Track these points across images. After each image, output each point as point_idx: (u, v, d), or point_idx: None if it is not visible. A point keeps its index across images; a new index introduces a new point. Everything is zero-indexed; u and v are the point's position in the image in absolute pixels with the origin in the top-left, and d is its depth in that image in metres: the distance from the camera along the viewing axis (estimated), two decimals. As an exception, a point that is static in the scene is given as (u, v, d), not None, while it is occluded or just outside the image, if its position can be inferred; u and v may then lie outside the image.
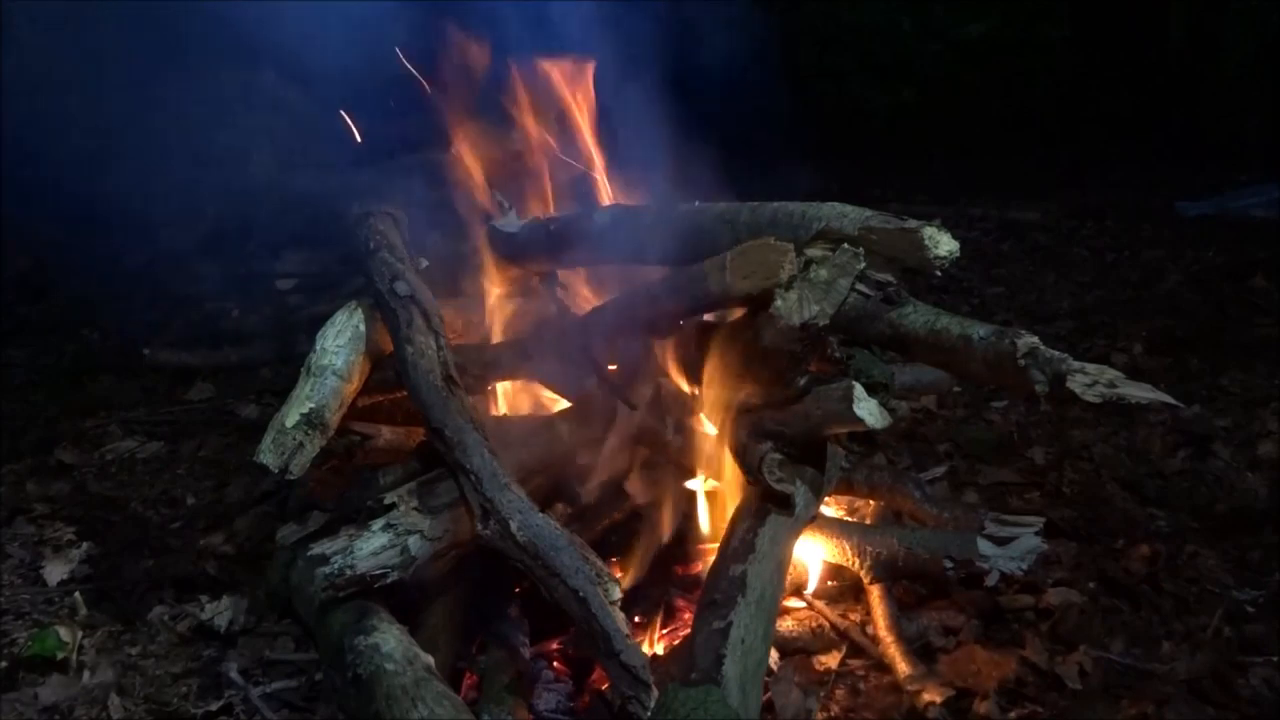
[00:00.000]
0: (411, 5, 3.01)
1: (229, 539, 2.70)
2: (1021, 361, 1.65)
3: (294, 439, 2.09)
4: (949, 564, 2.13)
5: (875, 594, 2.22)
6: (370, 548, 1.91)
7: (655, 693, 1.58)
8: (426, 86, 2.83)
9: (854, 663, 2.11)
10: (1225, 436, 3.07)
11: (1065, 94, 8.79)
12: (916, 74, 9.58)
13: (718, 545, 2.02)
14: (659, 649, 2.11)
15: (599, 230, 2.42)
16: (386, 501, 1.96)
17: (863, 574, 2.22)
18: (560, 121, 2.80)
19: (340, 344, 2.25)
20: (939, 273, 1.84)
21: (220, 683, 2.13)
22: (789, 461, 1.98)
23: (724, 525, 2.09)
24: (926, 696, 1.94)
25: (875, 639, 2.14)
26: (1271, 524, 2.57)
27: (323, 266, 5.35)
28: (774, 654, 2.01)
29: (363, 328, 2.31)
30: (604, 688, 1.94)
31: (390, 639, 1.77)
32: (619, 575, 2.08)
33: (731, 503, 2.19)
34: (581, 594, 1.67)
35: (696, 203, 2.32)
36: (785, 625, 2.16)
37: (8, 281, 5.67)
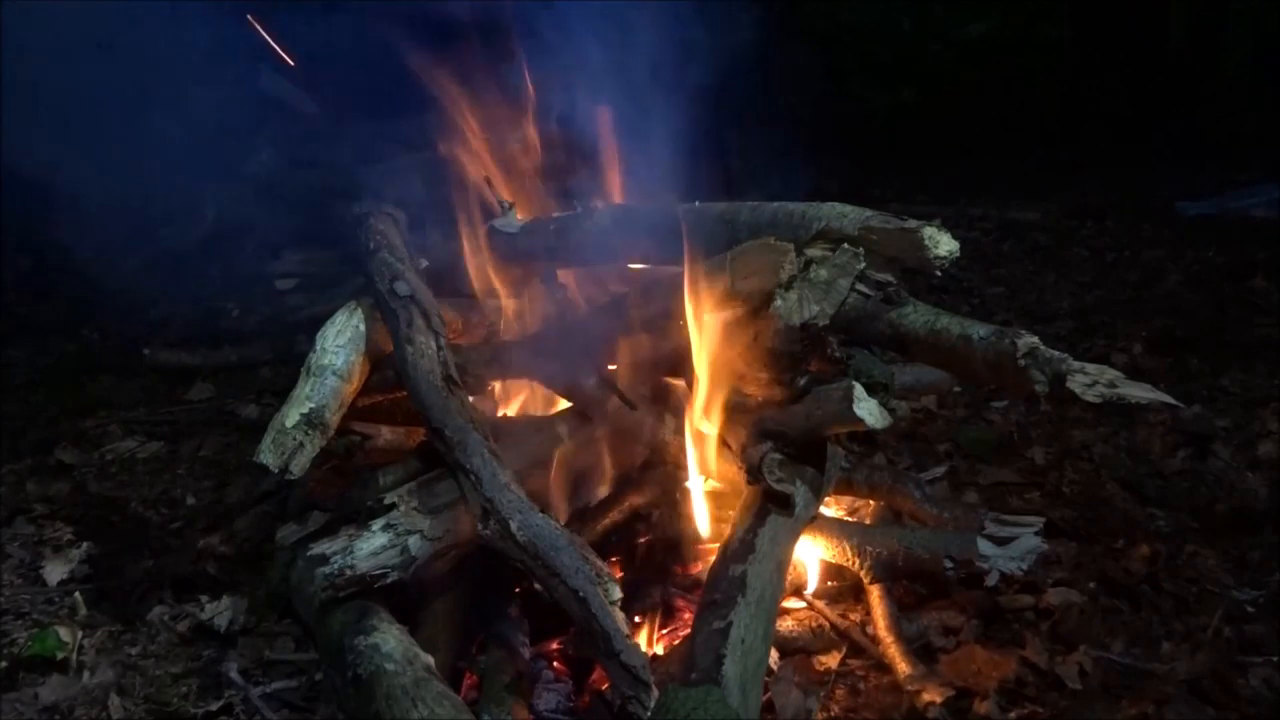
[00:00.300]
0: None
1: (229, 539, 2.70)
2: (1021, 361, 1.65)
3: (294, 439, 2.09)
4: (949, 564, 2.13)
5: (875, 594, 2.22)
6: (370, 548, 1.91)
7: (655, 693, 1.58)
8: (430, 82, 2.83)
9: (854, 663, 2.11)
10: (1225, 436, 3.07)
11: (1065, 94, 8.78)
12: (916, 74, 9.57)
13: (718, 545, 2.02)
14: (659, 649, 2.11)
15: (599, 230, 2.42)
16: (386, 501, 1.96)
17: (863, 574, 2.22)
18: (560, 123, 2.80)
19: (340, 344, 2.25)
20: (939, 273, 1.85)
21: (220, 683, 2.13)
22: (789, 461, 1.98)
23: (724, 525, 2.09)
24: (926, 696, 1.94)
25: (875, 639, 2.14)
26: (1271, 524, 2.57)
27: (323, 266, 5.35)
28: (774, 654, 2.01)
29: (363, 328, 2.31)
30: (604, 688, 1.94)
31: (390, 639, 1.77)
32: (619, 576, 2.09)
33: (731, 503, 2.19)
34: (581, 594, 1.67)
35: (696, 203, 2.32)
36: (785, 625, 2.16)
37: (8, 281, 5.67)
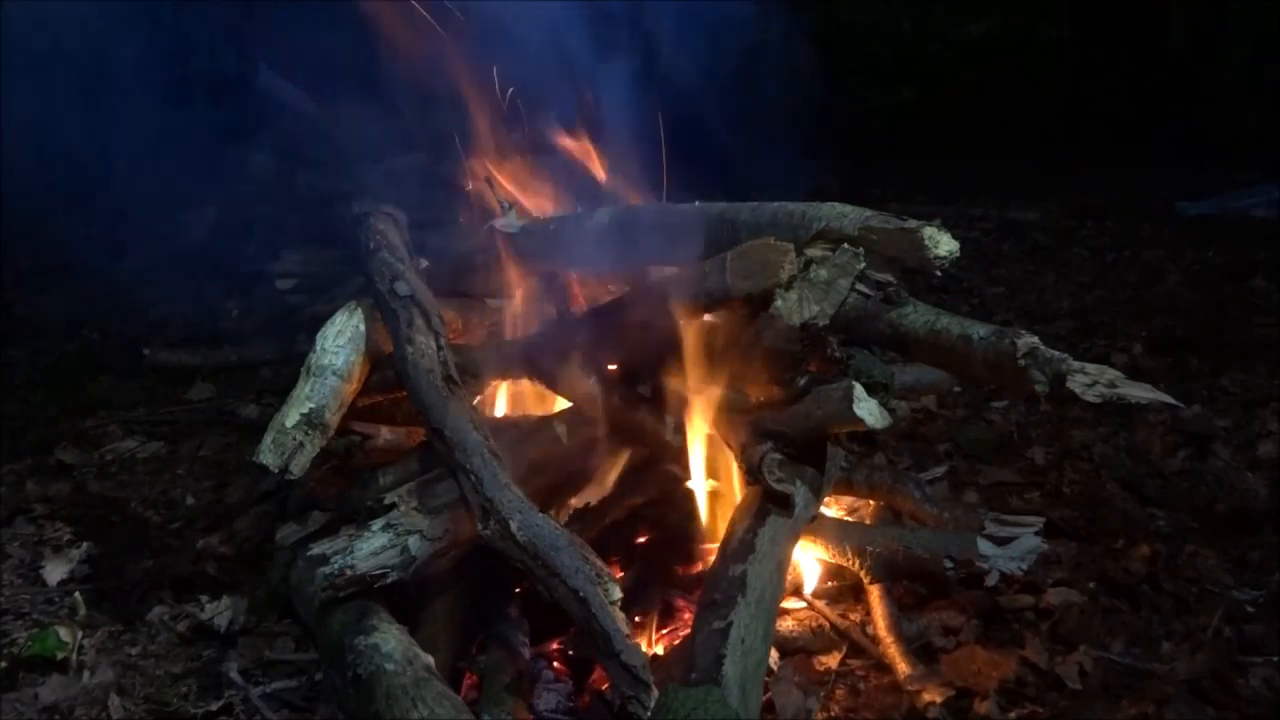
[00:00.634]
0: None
1: (229, 539, 2.70)
2: (1021, 361, 1.65)
3: (294, 439, 2.09)
4: (949, 564, 2.13)
5: (875, 594, 2.22)
6: (370, 548, 1.91)
7: (655, 693, 1.58)
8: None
9: (854, 663, 2.11)
10: (1225, 436, 3.07)
11: (1065, 94, 8.78)
12: (916, 74, 9.57)
13: (718, 545, 2.02)
14: (659, 649, 2.11)
15: (599, 230, 2.42)
16: (386, 501, 1.96)
17: (863, 574, 2.22)
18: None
19: (340, 344, 2.25)
20: (939, 273, 1.85)
21: (220, 683, 2.13)
22: (789, 461, 1.98)
23: (724, 525, 2.09)
24: (926, 696, 1.94)
25: (875, 639, 2.14)
26: (1271, 524, 2.57)
27: (323, 266, 5.35)
28: (774, 654, 2.01)
29: (363, 328, 2.31)
30: (604, 688, 1.94)
31: (390, 639, 1.77)
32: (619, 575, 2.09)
33: (732, 503, 2.19)
34: (581, 594, 1.67)
35: (696, 203, 2.32)
36: (785, 625, 2.16)
37: (8, 281, 5.67)
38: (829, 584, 2.34)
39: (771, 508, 1.98)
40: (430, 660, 1.76)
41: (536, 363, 2.42)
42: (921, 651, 2.10)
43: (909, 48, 9.69)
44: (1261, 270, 4.71)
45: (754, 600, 1.79)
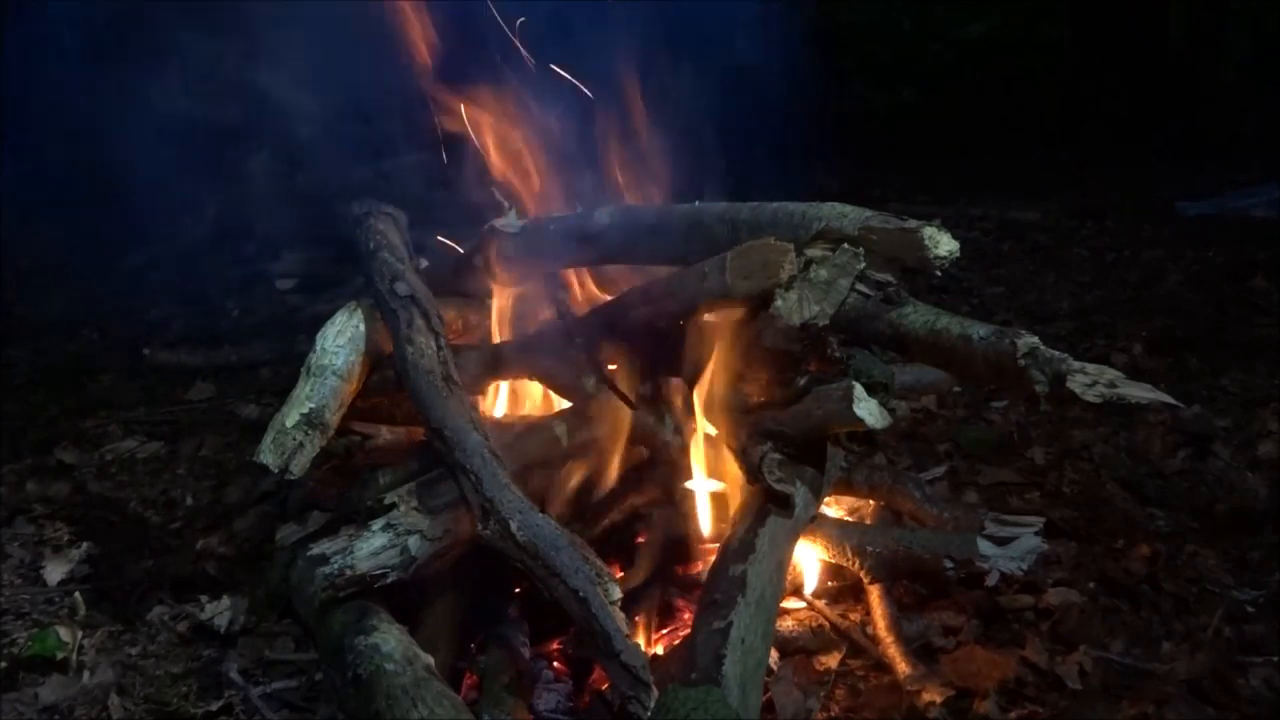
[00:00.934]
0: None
1: (229, 539, 2.70)
2: (1021, 361, 1.65)
3: (294, 439, 2.09)
4: (949, 564, 2.13)
5: (875, 594, 2.22)
6: (370, 548, 1.91)
7: (655, 693, 1.58)
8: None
9: (854, 663, 2.11)
10: (1225, 436, 3.07)
11: (1065, 94, 8.78)
12: (916, 74, 9.57)
13: (718, 545, 2.02)
14: (659, 649, 2.11)
15: (599, 230, 2.42)
16: (386, 501, 1.96)
17: (863, 574, 2.22)
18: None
19: (340, 344, 2.25)
20: (939, 273, 1.85)
21: (220, 683, 2.13)
22: (789, 461, 1.98)
23: (724, 525, 2.09)
24: (926, 696, 1.94)
25: (875, 639, 2.14)
26: (1271, 524, 2.57)
27: (323, 266, 5.36)
28: (774, 654, 2.01)
29: (363, 328, 2.30)
30: (604, 688, 1.94)
31: (390, 639, 1.77)
32: (619, 576, 2.09)
33: (732, 503, 2.19)
34: (581, 594, 1.67)
35: (696, 203, 2.32)
36: (785, 625, 2.16)
37: (8, 281, 5.67)
38: (829, 584, 2.34)
39: (771, 508, 1.98)
40: (430, 660, 1.76)
41: (536, 363, 2.42)
42: (921, 651, 2.10)
43: (909, 48, 9.70)
44: (1261, 270, 4.71)
45: (754, 600, 1.79)
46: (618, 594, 1.70)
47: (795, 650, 2.13)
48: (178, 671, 2.19)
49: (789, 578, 2.12)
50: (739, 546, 1.91)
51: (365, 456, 2.75)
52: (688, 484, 2.31)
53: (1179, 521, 2.63)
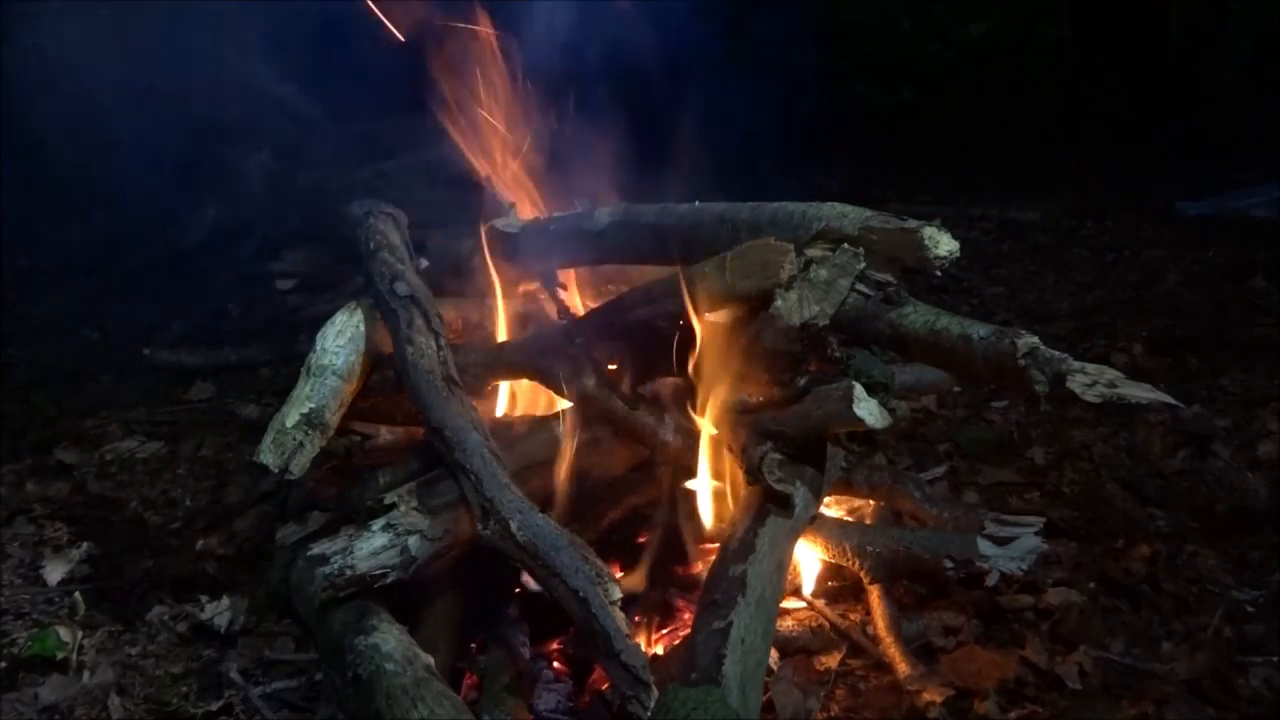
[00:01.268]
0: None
1: (229, 539, 2.70)
2: (1021, 361, 1.65)
3: (294, 439, 2.09)
4: (949, 564, 2.13)
5: (875, 594, 2.22)
6: (370, 548, 1.91)
7: (655, 693, 1.58)
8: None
9: (854, 663, 2.11)
10: (1225, 436, 3.07)
11: (1065, 94, 8.78)
12: (916, 74, 9.57)
13: (718, 545, 2.02)
14: (659, 649, 2.11)
15: (599, 230, 2.42)
16: (386, 501, 1.96)
17: (863, 574, 2.22)
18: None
19: (340, 344, 2.26)
20: (939, 273, 1.85)
21: (220, 683, 2.13)
22: (789, 461, 1.98)
23: (724, 525, 2.09)
24: (926, 696, 1.94)
25: (875, 639, 2.14)
26: (1271, 524, 2.57)
27: (323, 267, 5.36)
28: (774, 654, 2.01)
29: (363, 328, 2.31)
30: (604, 688, 1.94)
31: (390, 639, 1.77)
32: (619, 575, 2.09)
33: (732, 503, 2.19)
34: (581, 594, 1.67)
35: (696, 202, 2.32)
36: (785, 625, 2.16)
37: (8, 281, 5.68)
38: (829, 584, 2.34)
39: (771, 508, 1.98)
40: (430, 660, 1.76)
41: (536, 363, 2.42)
42: (921, 651, 2.10)
43: (909, 48, 9.70)
44: (1261, 270, 4.71)
45: (754, 600, 1.79)
46: (618, 594, 1.71)
47: (795, 650, 2.13)
48: (178, 671, 2.19)
49: (789, 578, 2.12)
50: (739, 546, 1.91)
51: (365, 456, 2.76)
52: (688, 484, 2.31)
53: (1179, 521, 2.63)
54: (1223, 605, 2.24)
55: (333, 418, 2.17)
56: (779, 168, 6.51)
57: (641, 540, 2.36)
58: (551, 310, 2.57)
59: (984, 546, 2.10)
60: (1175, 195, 6.34)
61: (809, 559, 2.31)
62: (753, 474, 1.96)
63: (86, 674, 2.17)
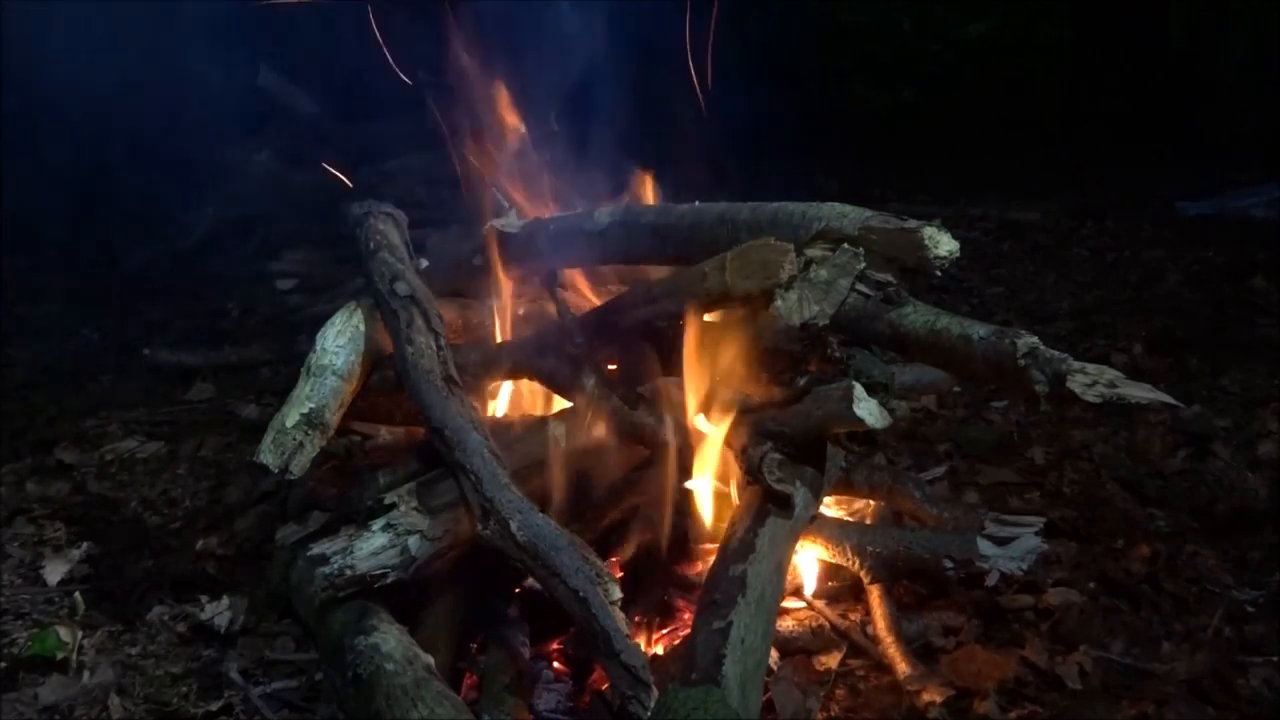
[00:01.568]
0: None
1: (229, 539, 2.70)
2: (1021, 361, 1.65)
3: (294, 439, 2.09)
4: (949, 564, 2.13)
5: (875, 594, 2.22)
6: (370, 548, 1.91)
7: (655, 693, 1.58)
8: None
9: (854, 663, 2.11)
10: (1225, 436, 3.07)
11: (1065, 94, 8.78)
12: (916, 74, 9.58)
13: (718, 545, 2.02)
14: (659, 649, 2.11)
15: (599, 230, 2.42)
16: (386, 501, 1.96)
17: (863, 574, 2.22)
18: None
19: (340, 344, 2.26)
20: (939, 273, 1.85)
21: (220, 683, 2.13)
22: (789, 462, 1.98)
23: (724, 525, 2.09)
24: (926, 696, 1.94)
25: (875, 639, 2.14)
26: (1271, 524, 2.57)
27: (323, 266, 5.36)
28: (774, 654, 2.01)
29: (363, 328, 2.31)
30: (604, 688, 1.94)
31: (390, 639, 1.77)
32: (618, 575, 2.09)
33: (732, 503, 2.19)
34: (581, 594, 1.67)
35: (696, 203, 2.32)
36: (785, 625, 2.15)
37: (8, 281, 5.68)
38: (829, 584, 2.34)
39: (771, 508, 1.98)
40: (430, 660, 1.76)
41: (536, 363, 2.42)
42: (921, 651, 2.10)
43: (909, 48, 9.70)
44: (1261, 270, 4.71)
45: (754, 600, 1.79)
46: (618, 594, 1.71)
47: (795, 650, 2.13)
48: (178, 671, 2.19)
49: (789, 578, 2.12)
50: (739, 546, 1.91)
51: (365, 456, 2.76)
52: (688, 484, 2.31)
53: (1179, 521, 2.63)
54: (1223, 605, 2.24)
55: (333, 418, 2.17)
56: (779, 168, 6.51)
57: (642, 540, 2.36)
58: (552, 310, 2.57)
59: (984, 546, 2.10)
60: (1175, 195, 6.34)
61: (809, 559, 2.31)
62: (753, 474, 1.96)
63: (86, 674, 2.17)
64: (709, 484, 2.25)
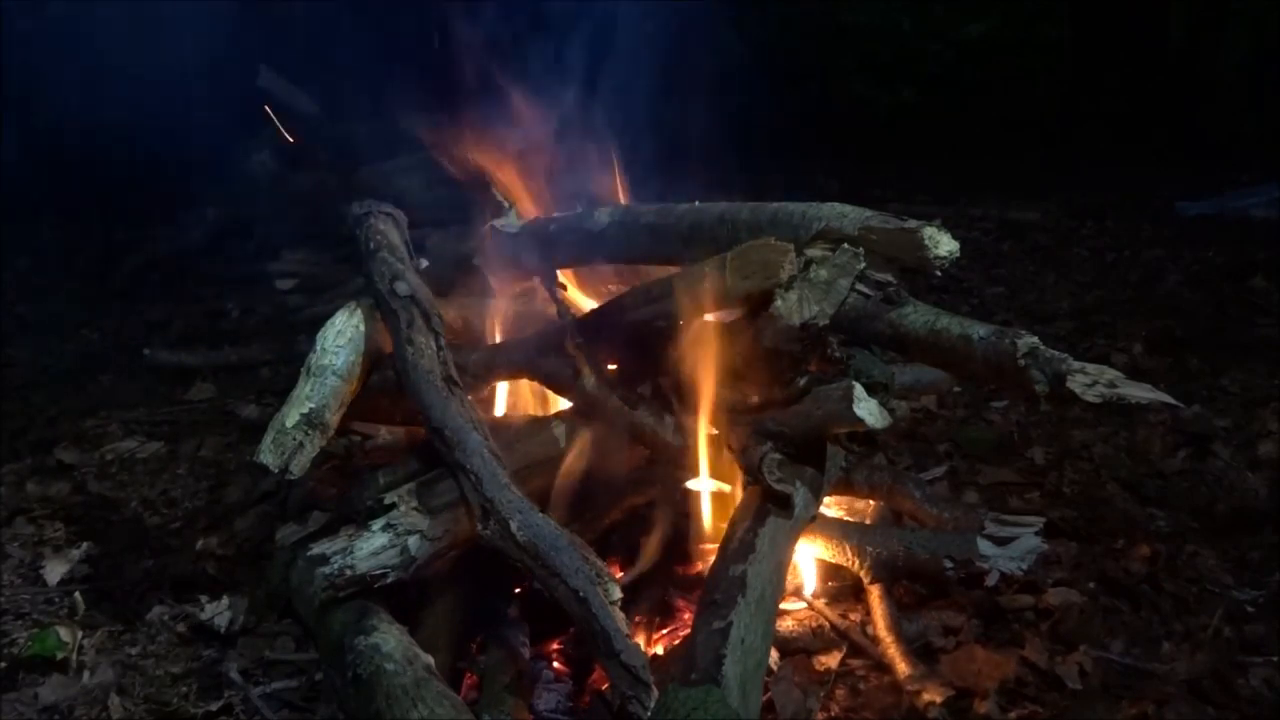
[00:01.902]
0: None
1: (229, 539, 2.70)
2: (1021, 361, 1.65)
3: (294, 439, 2.09)
4: (949, 564, 2.13)
5: (875, 594, 2.21)
6: (370, 548, 1.91)
7: (655, 693, 1.58)
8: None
9: (854, 663, 2.11)
10: (1225, 436, 3.07)
11: (1065, 94, 8.79)
12: (916, 74, 9.58)
13: (718, 545, 2.02)
14: (659, 649, 2.11)
15: (599, 230, 2.42)
16: (386, 501, 1.96)
17: (863, 574, 2.22)
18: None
19: (340, 344, 2.25)
20: (939, 273, 1.85)
21: (220, 683, 2.13)
22: (789, 462, 1.98)
23: (724, 525, 2.09)
24: (926, 696, 1.94)
25: (875, 639, 2.14)
26: (1271, 524, 2.57)
27: (323, 267, 5.36)
28: (774, 654, 2.01)
29: (363, 328, 2.30)
30: (604, 688, 1.94)
31: (390, 639, 1.77)
32: (619, 574, 2.09)
33: (732, 503, 2.19)
34: (581, 594, 1.67)
35: (696, 202, 2.32)
36: (785, 625, 2.15)
37: (8, 281, 5.68)
38: (829, 584, 2.34)
39: (771, 508, 1.98)
40: (430, 660, 1.76)
41: (536, 362, 2.42)
42: (921, 651, 2.10)
43: (909, 48, 9.70)
44: (1261, 270, 4.71)
45: (754, 600, 1.79)
46: (618, 594, 1.71)
47: (795, 650, 2.13)
48: (178, 671, 2.19)
49: (789, 578, 2.12)
50: (739, 546, 1.91)
51: (365, 456, 2.76)
52: (688, 484, 2.31)
53: (1179, 521, 2.63)
54: (1223, 605, 2.24)
55: (333, 418, 2.17)
56: (779, 167, 6.51)
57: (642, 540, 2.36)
58: (552, 310, 2.57)
59: (984, 546, 2.10)
60: (1175, 195, 6.35)
61: (809, 559, 2.31)
62: (753, 474, 1.96)
63: (86, 674, 2.17)
64: (709, 484, 2.26)
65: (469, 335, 2.64)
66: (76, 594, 2.46)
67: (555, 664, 2.09)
